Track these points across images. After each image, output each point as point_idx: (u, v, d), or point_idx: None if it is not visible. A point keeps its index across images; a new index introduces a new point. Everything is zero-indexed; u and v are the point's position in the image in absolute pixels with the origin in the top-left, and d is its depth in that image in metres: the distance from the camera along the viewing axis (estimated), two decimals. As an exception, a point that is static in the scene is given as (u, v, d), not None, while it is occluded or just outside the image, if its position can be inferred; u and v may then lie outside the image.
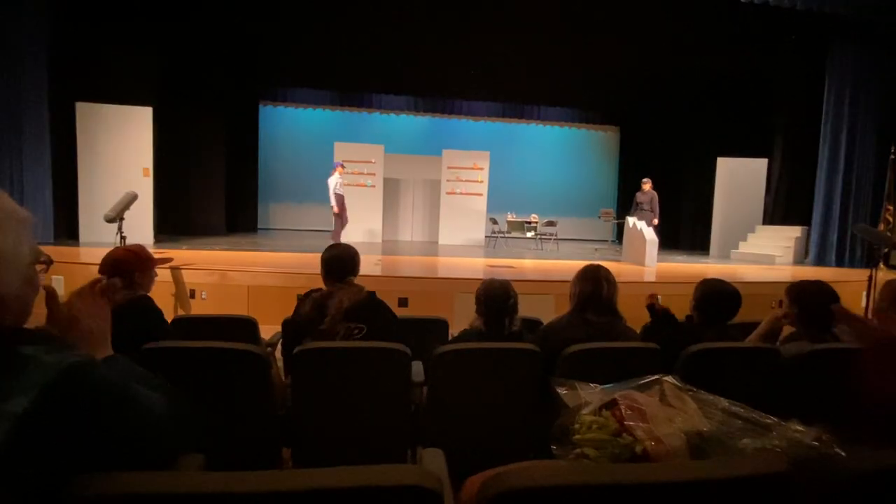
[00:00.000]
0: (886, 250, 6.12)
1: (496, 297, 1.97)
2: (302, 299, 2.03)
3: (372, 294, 2.02)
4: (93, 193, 6.62)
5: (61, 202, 6.56)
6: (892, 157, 6.95)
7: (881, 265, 6.02)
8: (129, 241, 4.32)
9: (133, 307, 1.83)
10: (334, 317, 1.86)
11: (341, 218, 7.82)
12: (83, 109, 6.65)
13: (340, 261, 2.08)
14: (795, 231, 7.98)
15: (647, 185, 8.12)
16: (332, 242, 7.90)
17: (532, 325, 2.45)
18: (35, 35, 6.05)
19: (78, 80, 6.68)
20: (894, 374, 1.09)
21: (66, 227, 6.69)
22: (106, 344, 0.91)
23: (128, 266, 1.93)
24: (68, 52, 6.52)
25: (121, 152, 6.76)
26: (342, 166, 8.07)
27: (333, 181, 7.78)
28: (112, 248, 2.06)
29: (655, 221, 7.84)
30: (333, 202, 7.73)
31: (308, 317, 1.90)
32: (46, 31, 6.15)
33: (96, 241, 6.18)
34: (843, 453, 0.93)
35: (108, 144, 6.73)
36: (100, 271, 1.86)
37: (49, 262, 0.84)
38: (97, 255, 1.91)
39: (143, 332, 1.70)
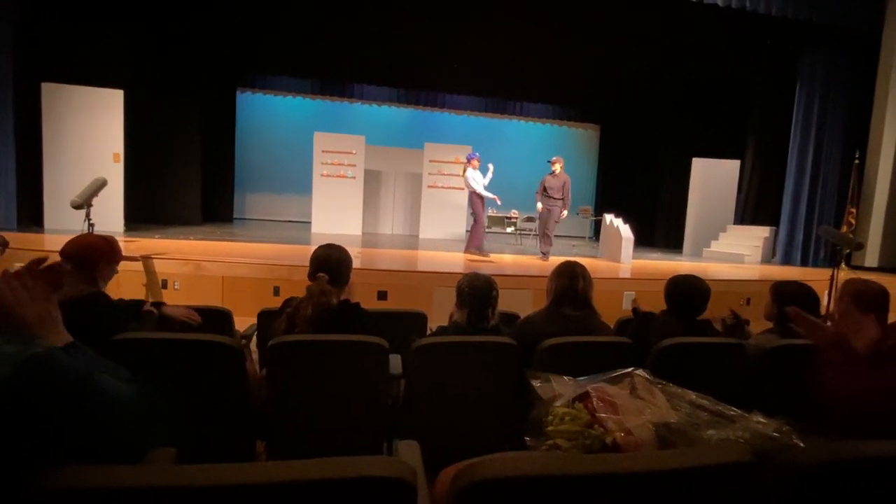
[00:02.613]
0: (848, 251, 6.39)
1: (480, 289, 1.99)
2: (279, 312, 1.89)
3: (344, 303, 1.86)
4: (59, 179, 6.36)
5: (25, 187, 6.28)
6: (857, 161, 7.25)
7: (843, 265, 6.30)
8: (97, 229, 4.19)
9: (84, 305, 1.68)
10: (301, 327, 1.75)
11: (478, 222, 6.53)
12: (49, 90, 6.37)
13: (322, 262, 1.92)
14: (764, 231, 8.26)
15: (557, 164, 6.54)
16: (473, 253, 6.49)
17: (509, 319, 2.48)
18: (-2, 10, 5.76)
19: (44, 59, 6.38)
20: (845, 375, 1.15)
21: (31, 214, 6.42)
22: (53, 329, 0.82)
23: (96, 254, 1.83)
24: (35, 30, 6.21)
25: (89, 136, 6.51)
26: (477, 159, 6.57)
27: (471, 175, 6.42)
28: (82, 234, 1.95)
29: (564, 213, 6.56)
30: (475, 204, 6.41)
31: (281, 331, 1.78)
32: (11, 5, 5.85)
33: (62, 228, 5.95)
34: (801, 444, 0.97)
35: (75, 128, 6.47)
36: (62, 253, 1.76)
37: (5, 244, 0.80)
38: (62, 242, 1.82)
39: (95, 330, 1.58)
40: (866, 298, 1.92)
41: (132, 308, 1.92)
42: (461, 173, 6.75)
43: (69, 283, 1.72)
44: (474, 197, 6.52)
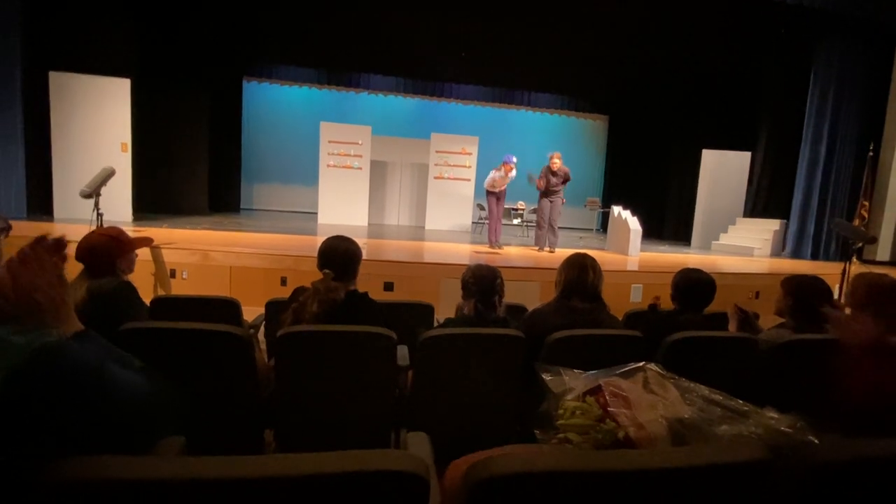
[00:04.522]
0: (860, 245, 6.31)
1: (485, 277, 1.98)
2: (288, 302, 1.89)
3: (351, 294, 1.85)
4: (68, 168, 6.40)
5: (34, 176, 6.32)
6: (871, 154, 7.12)
7: (854, 259, 6.22)
8: (106, 219, 4.22)
9: (113, 296, 1.75)
10: (308, 322, 1.75)
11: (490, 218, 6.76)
12: (57, 79, 6.38)
13: (329, 254, 1.90)
14: (774, 224, 8.16)
15: (557, 160, 6.41)
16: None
17: (516, 311, 2.47)
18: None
19: (52, 48, 6.38)
20: (870, 375, 1.13)
21: (40, 203, 6.47)
22: (66, 316, 0.78)
23: (107, 253, 1.85)
24: (42, 19, 6.21)
25: (97, 125, 6.53)
26: (507, 163, 6.50)
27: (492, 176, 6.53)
28: (87, 234, 1.96)
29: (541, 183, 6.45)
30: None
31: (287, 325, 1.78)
32: (18, -6, 5.85)
33: (71, 217, 6.01)
34: (815, 440, 0.96)
35: (83, 117, 6.49)
36: (77, 259, 1.79)
37: (8, 227, 0.79)
38: (72, 231, 1.83)
39: (122, 322, 1.63)
40: (881, 292, 1.89)
41: None
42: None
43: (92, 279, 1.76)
44: (488, 197, 6.79)
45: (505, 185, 6.69)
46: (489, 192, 6.72)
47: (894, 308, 1.95)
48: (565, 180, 6.50)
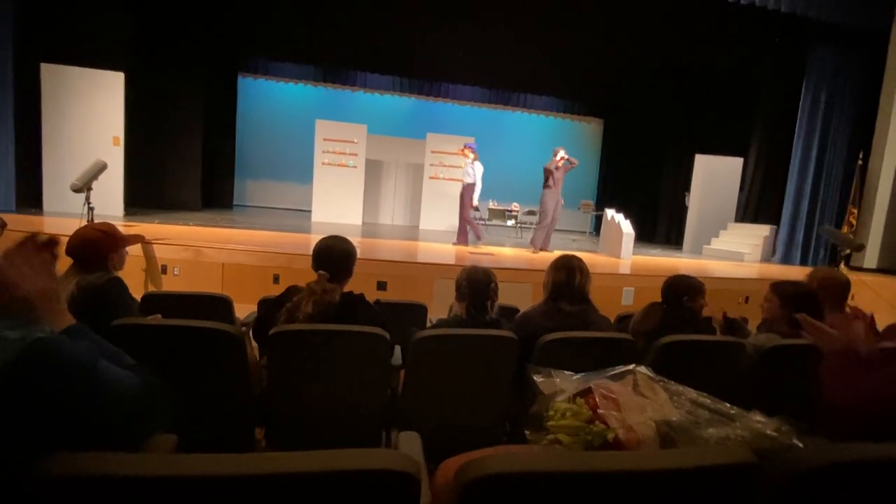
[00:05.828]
0: (848, 252, 6.40)
1: (478, 281, 1.99)
2: (281, 300, 1.88)
3: (347, 295, 1.84)
4: (58, 161, 6.32)
5: (25, 169, 6.24)
6: (860, 162, 7.23)
7: (842, 265, 6.31)
8: (97, 213, 4.18)
9: (103, 291, 1.74)
10: (301, 323, 1.73)
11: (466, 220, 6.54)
12: (49, 71, 6.30)
13: (324, 255, 1.88)
14: (764, 230, 8.25)
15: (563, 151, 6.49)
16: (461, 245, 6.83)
17: (509, 312, 2.48)
18: (-3, -12, 5.68)
19: (44, 39, 6.31)
20: (850, 383, 1.15)
21: (30, 196, 6.39)
22: (57, 310, 0.78)
23: (99, 248, 1.84)
24: (35, 9, 6.14)
25: (89, 119, 6.46)
26: (469, 147, 6.47)
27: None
28: (79, 228, 1.95)
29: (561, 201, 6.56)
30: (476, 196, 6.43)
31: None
32: (10, -16, 5.77)
33: (61, 211, 5.94)
34: (800, 444, 0.98)
35: (75, 110, 6.42)
36: (67, 253, 1.78)
37: (3, 225, 0.79)
38: (62, 225, 1.82)
39: (111, 318, 1.62)
40: (832, 287, 2.04)
41: None
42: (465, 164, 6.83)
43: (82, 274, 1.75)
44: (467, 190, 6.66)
45: (466, 177, 6.63)
46: (469, 188, 6.69)
47: (841, 300, 2.18)
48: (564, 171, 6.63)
